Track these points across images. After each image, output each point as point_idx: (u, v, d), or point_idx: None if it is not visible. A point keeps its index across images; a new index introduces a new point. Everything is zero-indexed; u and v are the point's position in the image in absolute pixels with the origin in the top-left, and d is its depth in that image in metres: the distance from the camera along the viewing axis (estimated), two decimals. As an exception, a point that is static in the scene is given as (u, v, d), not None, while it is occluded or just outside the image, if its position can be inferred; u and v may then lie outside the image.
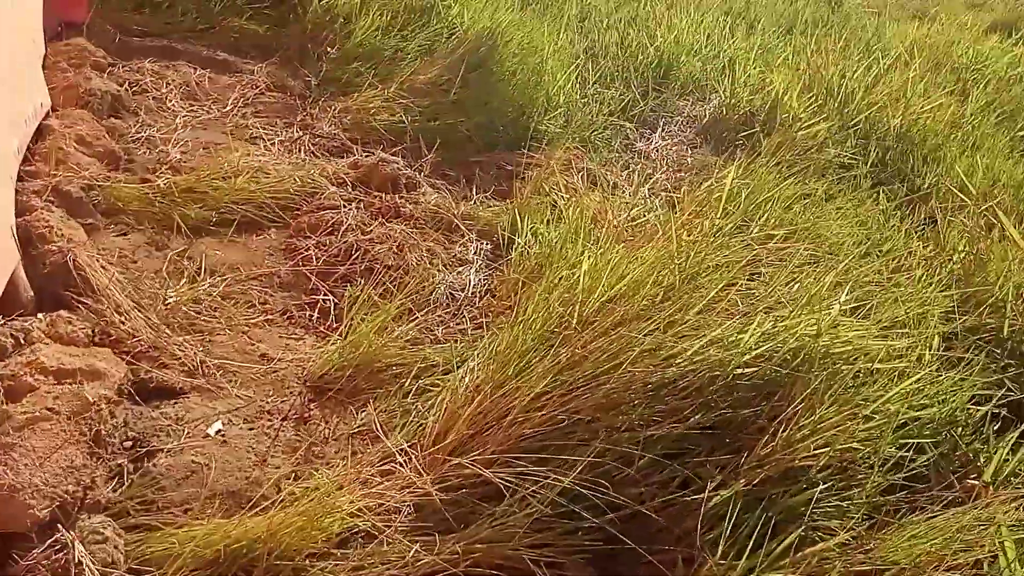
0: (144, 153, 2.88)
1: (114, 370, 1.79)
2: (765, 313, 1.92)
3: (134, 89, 3.29)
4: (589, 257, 2.20)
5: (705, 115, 4.14)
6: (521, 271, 2.44)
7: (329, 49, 3.90)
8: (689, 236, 2.19)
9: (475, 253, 2.72)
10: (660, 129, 3.99)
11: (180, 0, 3.98)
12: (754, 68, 4.61)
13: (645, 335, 1.77)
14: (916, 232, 3.23)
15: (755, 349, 1.78)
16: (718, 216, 2.36)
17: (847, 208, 3.28)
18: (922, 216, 3.49)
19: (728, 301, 2.01)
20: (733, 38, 5.16)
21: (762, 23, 5.88)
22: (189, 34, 3.87)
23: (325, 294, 2.36)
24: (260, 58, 3.91)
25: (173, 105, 3.28)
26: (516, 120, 3.61)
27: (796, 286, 2.11)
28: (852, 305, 2.10)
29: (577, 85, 3.99)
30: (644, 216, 2.82)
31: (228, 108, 3.36)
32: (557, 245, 2.46)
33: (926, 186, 3.73)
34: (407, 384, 2.02)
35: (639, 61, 4.52)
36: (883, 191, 3.65)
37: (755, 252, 2.27)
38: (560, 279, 2.06)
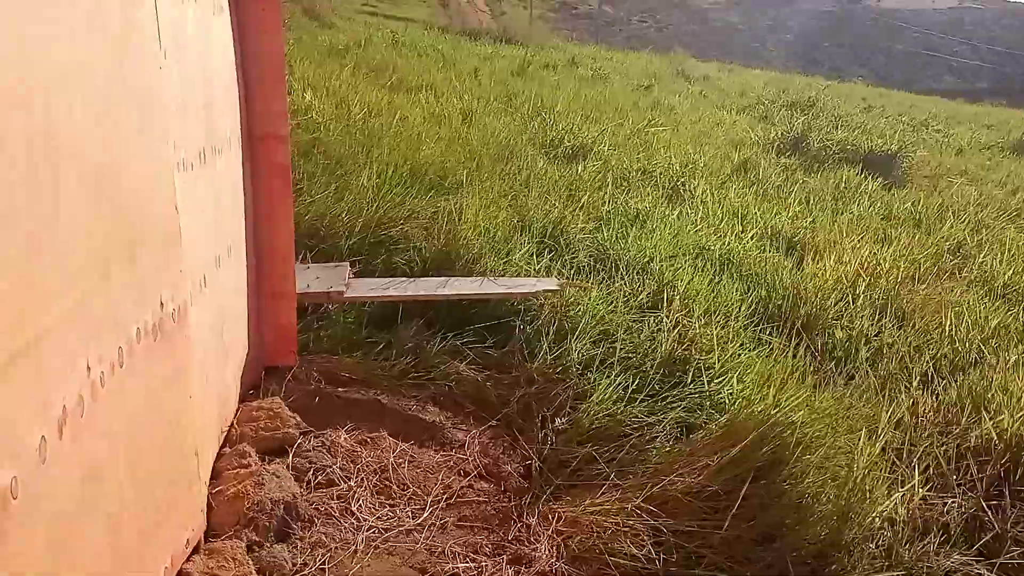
0: (300, 612, 2.10)
1: None
2: None
3: (318, 480, 2.64)
4: None
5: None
6: None
7: (557, 419, 3.11)
8: None
9: None
10: (1040, 585, 2.60)
11: (398, 340, 3.50)
12: None
13: None
14: None
15: None
16: None
17: None
18: None
19: None
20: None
21: None
22: (399, 382, 3.30)
23: None
24: (476, 417, 3.21)
25: (359, 507, 2.56)
26: (817, 570, 2.45)
27: None
28: None
29: (898, 497, 2.79)
30: None
31: (425, 514, 2.59)
32: None
33: None
34: None
35: (974, 443, 3.24)
36: None
37: None
38: None
